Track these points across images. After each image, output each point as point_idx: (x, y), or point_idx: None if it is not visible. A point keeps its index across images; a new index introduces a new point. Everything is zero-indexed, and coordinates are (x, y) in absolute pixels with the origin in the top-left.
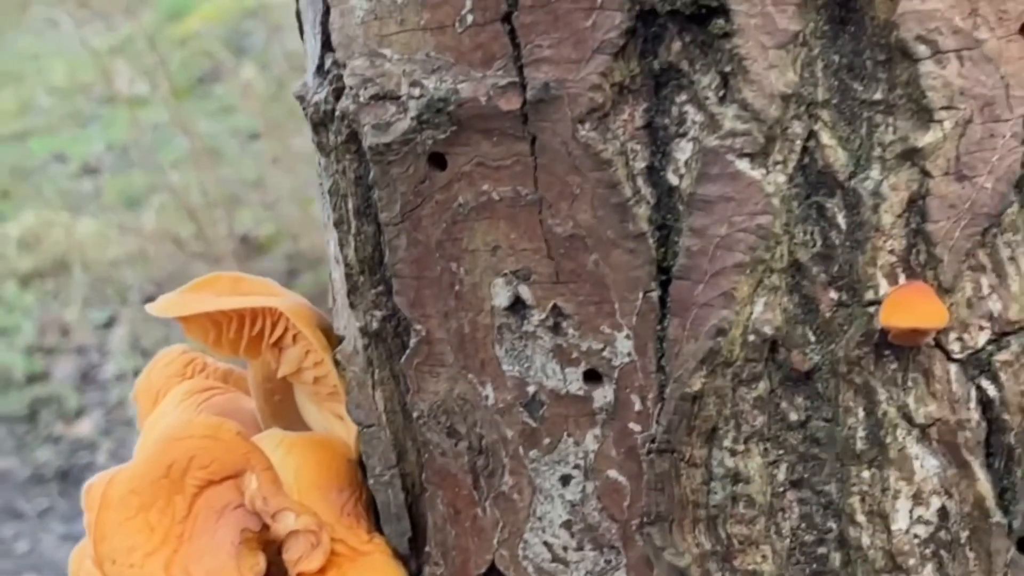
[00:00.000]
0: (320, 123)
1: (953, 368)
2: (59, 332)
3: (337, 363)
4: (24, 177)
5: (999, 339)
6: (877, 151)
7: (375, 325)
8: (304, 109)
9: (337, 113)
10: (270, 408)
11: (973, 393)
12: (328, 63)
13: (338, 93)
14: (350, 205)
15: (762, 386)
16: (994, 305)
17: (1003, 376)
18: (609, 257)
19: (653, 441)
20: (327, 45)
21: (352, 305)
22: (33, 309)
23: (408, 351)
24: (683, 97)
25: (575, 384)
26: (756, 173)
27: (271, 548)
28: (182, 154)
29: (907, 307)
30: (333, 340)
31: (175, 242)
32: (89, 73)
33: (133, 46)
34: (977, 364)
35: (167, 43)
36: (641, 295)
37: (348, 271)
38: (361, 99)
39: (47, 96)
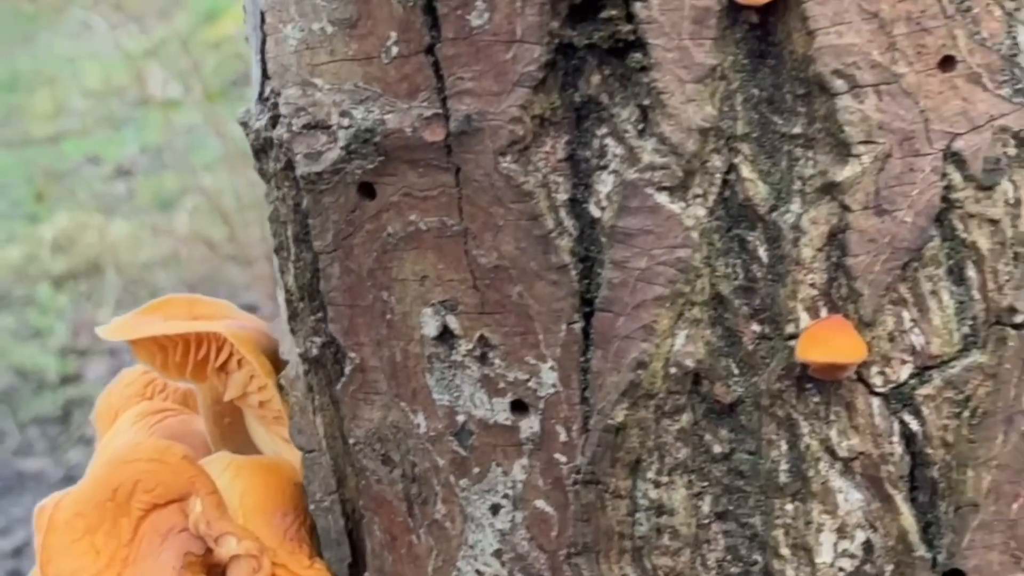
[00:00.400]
0: (260, 150)
1: (875, 402)
2: (92, 334)
3: (281, 388)
4: (58, 179)
5: (921, 373)
6: (797, 185)
7: (315, 351)
8: (247, 135)
9: (275, 140)
10: (219, 431)
11: (896, 427)
12: (268, 91)
13: (275, 121)
14: (289, 232)
15: (685, 418)
16: (916, 339)
17: (925, 410)
18: (533, 288)
19: (578, 472)
20: (265, 73)
21: (293, 331)
22: (66, 311)
23: (343, 378)
24: (604, 130)
25: (502, 414)
26: (675, 207)
27: (215, 572)
28: (215, 156)
29: (824, 342)
30: (280, 364)
31: (208, 244)
32: (123, 76)
33: (167, 49)
34: (900, 398)
35: (201, 46)
36: (565, 327)
37: (288, 297)
38: (294, 128)
39: (81, 99)
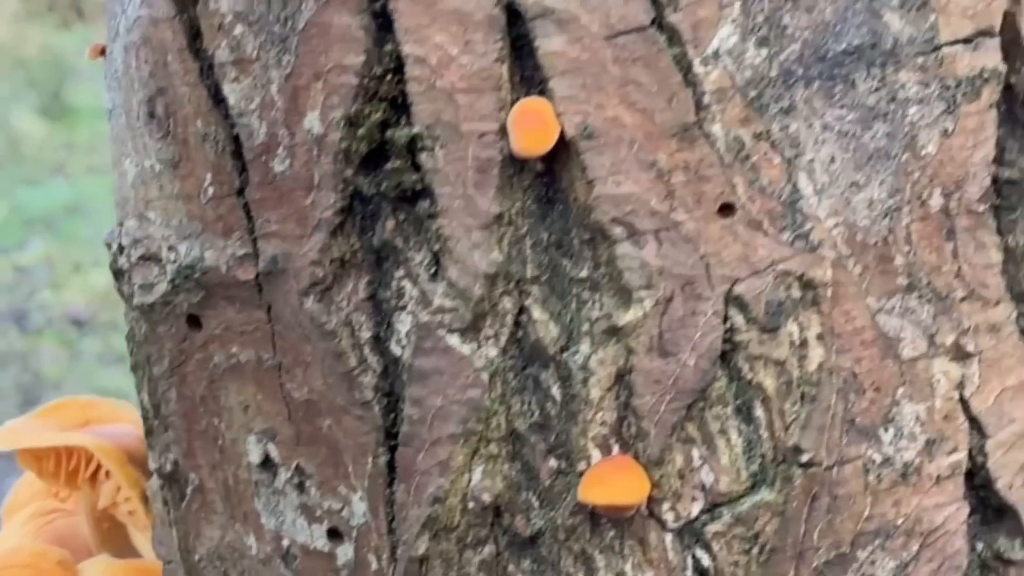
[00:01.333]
0: (117, 273)
1: (668, 537)
2: None
3: (146, 499)
4: None
5: (712, 510)
6: (586, 326)
7: (168, 467)
8: (110, 257)
9: (122, 268)
10: (100, 535)
11: (689, 562)
12: (119, 218)
13: (123, 249)
14: (143, 352)
15: (488, 550)
16: (706, 477)
17: (716, 546)
18: (341, 422)
19: None
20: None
21: (149, 446)
22: None
23: (186, 498)
24: (400, 272)
25: (320, 541)
26: (466, 348)
27: None
28: None
29: (604, 482)
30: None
31: None
32: None
33: None
34: (691, 534)
35: None
36: (371, 460)
37: (144, 414)
38: (132, 258)
39: None
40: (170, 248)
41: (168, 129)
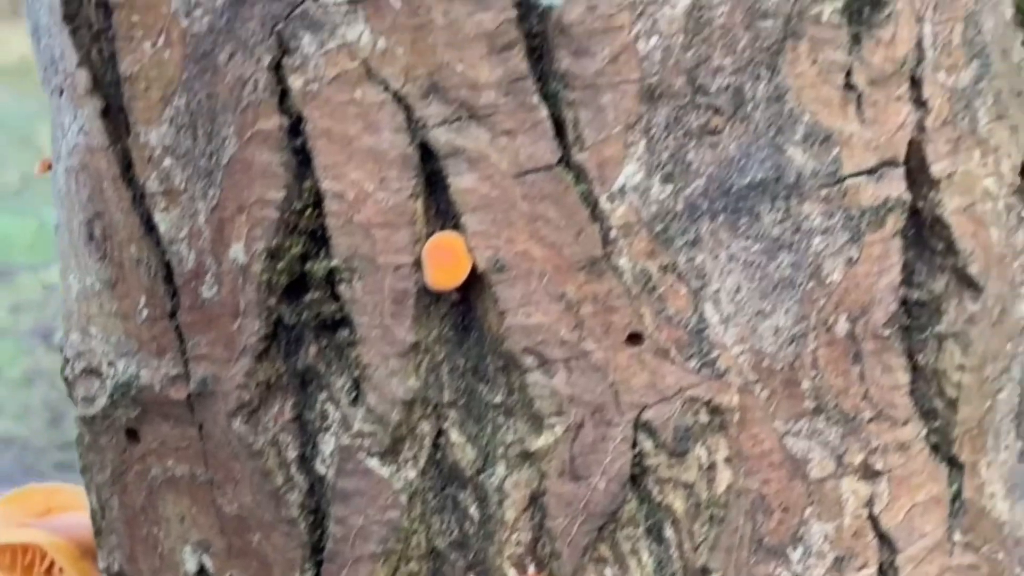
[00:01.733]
0: (65, 381)
1: None
2: None
3: None
4: None
5: None
6: (501, 450)
7: (116, 568)
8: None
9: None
10: None
11: None
12: (64, 331)
13: (68, 360)
14: (88, 458)
15: None
16: None
17: None
18: (270, 538)
19: None
20: None
21: (99, 546)
22: None
23: None
24: (324, 396)
25: None
26: (385, 471)
27: None
28: None
29: None
30: None
31: None
32: None
33: None
34: None
35: None
36: (298, 574)
37: (92, 515)
38: (76, 371)
39: None
40: (109, 364)
41: (105, 251)
